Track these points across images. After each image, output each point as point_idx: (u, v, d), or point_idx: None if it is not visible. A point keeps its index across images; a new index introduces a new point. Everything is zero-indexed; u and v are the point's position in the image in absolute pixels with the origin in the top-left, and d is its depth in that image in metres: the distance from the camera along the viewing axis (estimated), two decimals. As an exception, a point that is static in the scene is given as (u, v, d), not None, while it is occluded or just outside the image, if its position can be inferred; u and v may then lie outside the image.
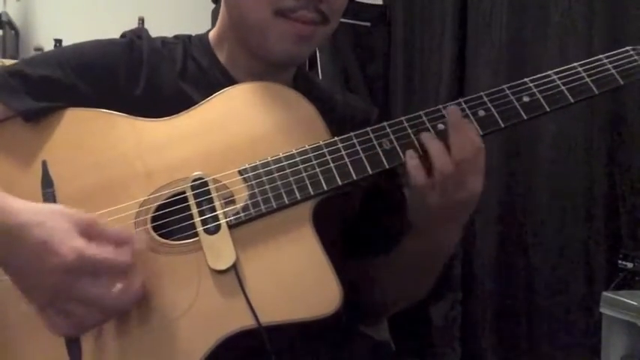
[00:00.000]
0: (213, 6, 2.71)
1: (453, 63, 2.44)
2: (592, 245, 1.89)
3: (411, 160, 0.79)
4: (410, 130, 0.81)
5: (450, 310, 2.38)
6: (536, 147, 2.09)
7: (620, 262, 1.70)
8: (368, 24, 2.89)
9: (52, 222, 0.67)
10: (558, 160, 2.01)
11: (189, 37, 0.98)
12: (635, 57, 0.87)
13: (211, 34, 0.97)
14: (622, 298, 1.50)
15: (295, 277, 0.75)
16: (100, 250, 0.67)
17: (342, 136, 0.81)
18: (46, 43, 2.85)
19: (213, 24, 0.98)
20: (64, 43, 2.79)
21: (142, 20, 2.91)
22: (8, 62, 2.63)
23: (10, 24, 2.82)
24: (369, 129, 0.81)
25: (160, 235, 0.77)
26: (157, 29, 1.05)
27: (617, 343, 1.53)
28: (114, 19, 2.91)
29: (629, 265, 1.66)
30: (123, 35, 0.95)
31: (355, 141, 0.81)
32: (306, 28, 0.87)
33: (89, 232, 0.68)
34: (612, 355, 1.54)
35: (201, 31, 1.01)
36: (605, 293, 1.57)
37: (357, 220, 0.97)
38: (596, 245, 1.88)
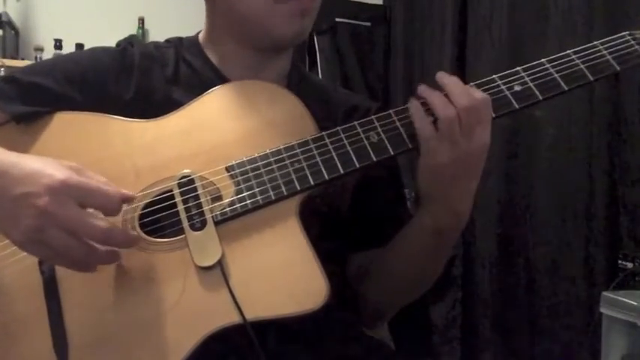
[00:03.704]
0: (213, 6, 2.71)
1: (453, 63, 2.44)
2: (592, 245, 1.89)
3: (417, 111, 0.79)
4: (398, 123, 0.80)
5: (450, 310, 2.38)
6: (536, 147, 2.09)
7: (620, 262, 1.70)
8: (368, 24, 2.89)
9: (49, 163, 0.71)
10: (558, 160, 2.01)
11: (181, 39, 1.00)
12: (632, 42, 0.84)
13: (201, 36, 0.99)
14: (622, 298, 1.50)
15: (281, 272, 0.74)
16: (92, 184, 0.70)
17: (329, 131, 0.81)
18: (46, 43, 2.85)
19: (214, 24, 0.99)
20: (64, 43, 2.80)
21: (142, 20, 2.91)
22: (8, 62, 2.64)
23: (10, 24, 2.82)
24: (356, 123, 0.81)
25: (149, 233, 0.78)
26: (157, 29, 1.05)
27: (617, 343, 1.53)
28: (114, 19, 2.92)
29: (629, 265, 1.66)
30: (118, 44, 0.98)
31: (342, 135, 0.80)
32: (306, 2, 0.89)
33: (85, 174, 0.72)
34: (612, 355, 1.54)
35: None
36: (605, 293, 1.57)
37: (351, 213, 0.96)
38: (596, 245, 1.88)
